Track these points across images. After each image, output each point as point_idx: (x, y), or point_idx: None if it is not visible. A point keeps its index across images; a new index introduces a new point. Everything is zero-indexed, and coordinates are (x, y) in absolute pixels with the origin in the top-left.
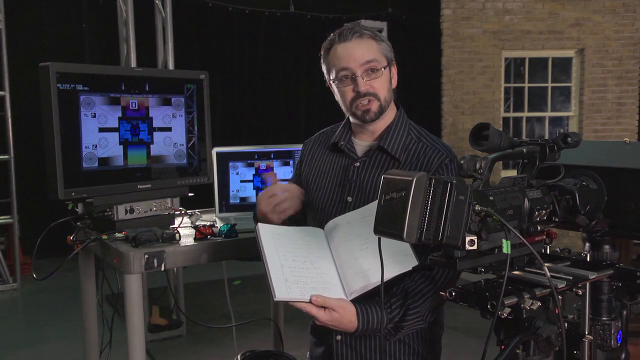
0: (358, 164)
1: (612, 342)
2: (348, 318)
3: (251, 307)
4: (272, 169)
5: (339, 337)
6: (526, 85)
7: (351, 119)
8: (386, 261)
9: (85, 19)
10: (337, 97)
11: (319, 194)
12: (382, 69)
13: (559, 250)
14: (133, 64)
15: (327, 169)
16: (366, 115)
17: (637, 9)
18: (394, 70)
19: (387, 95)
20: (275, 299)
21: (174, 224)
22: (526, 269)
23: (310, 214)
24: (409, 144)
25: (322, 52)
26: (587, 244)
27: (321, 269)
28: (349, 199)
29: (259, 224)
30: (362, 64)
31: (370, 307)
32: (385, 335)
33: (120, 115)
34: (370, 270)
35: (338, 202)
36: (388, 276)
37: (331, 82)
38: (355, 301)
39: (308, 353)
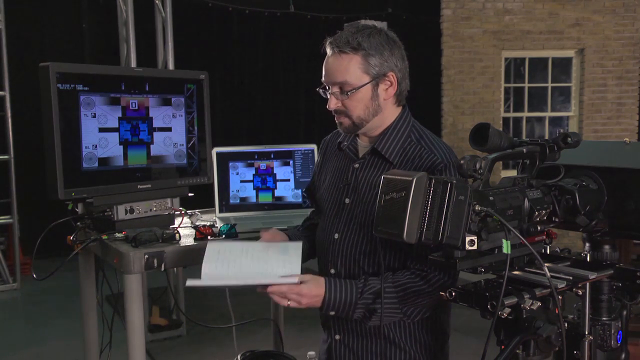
0: (357, 165)
1: (612, 342)
2: (316, 289)
3: (251, 307)
4: (272, 169)
5: (337, 337)
6: (526, 85)
7: None
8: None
9: (85, 19)
10: None
11: (324, 194)
12: (354, 90)
13: (559, 250)
14: (133, 64)
15: (332, 169)
16: (341, 127)
17: (637, 9)
18: (392, 79)
19: (362, 113)
20: (188, 284)
21: (174, 224)
22: (526, 269)
23: (320, 214)
24: (407, 147)
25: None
26: (587, 244)
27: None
28: (347, 200)
29: (209, 242)
30: (333, 84)
31: (342, 280)
32: (359, 318)
33: (120, 115)
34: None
35: (337, 203)
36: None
37: None
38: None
39: (308, 353)
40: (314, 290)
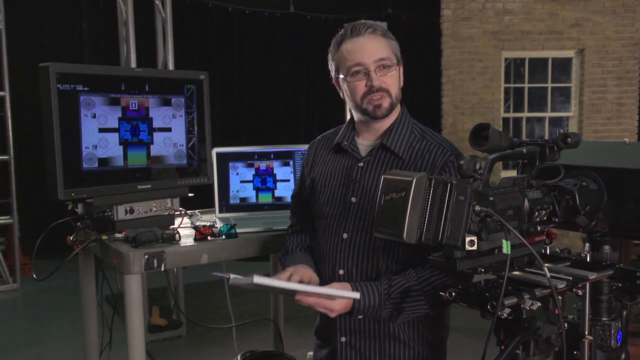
0: (362, 164)
1: (612, 343)
2: (346, 301)
3: (251, 307)
4: (272, 169)
5: (343, 339)
6: (526, 85)
7: (357, 117)
8: None
9: (85, 19)
10: (345, 93)
11: (324, 196)
12: (395, 65)
13: (559, 251)
14: (133, 64)
15: (331, 170)
16: (377, 111)
17: (637, 9)
18: (401, 69)
19: (397, 92)
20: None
21: (173, 224)
22: (526, 269)
23: (317, 217)
24: (413, 142)
25: (331, 48)
26: (587, 245)
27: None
28: (353, 199)
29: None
30: (375, 61)
31: (367, 284)
32: (387, 318)
33: (120, 115)
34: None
35: (342, 203)
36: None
37: (340, 77)
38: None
39: (308, 354)
40: (344, 303)
